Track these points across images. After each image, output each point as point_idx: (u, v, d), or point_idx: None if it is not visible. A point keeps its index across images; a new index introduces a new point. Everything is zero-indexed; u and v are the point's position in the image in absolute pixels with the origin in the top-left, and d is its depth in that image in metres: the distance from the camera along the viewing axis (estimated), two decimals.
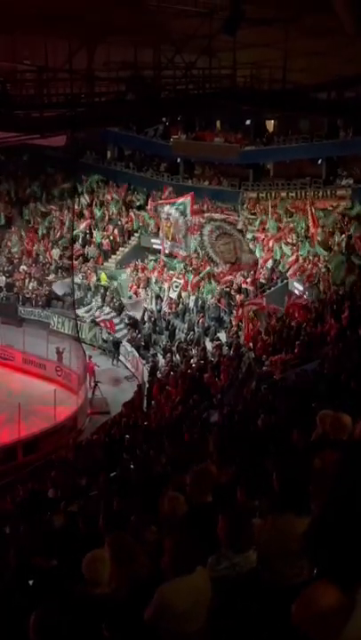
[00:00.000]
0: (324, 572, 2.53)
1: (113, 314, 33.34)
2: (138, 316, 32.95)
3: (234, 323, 28.80)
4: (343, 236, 30.65)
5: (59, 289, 35.79)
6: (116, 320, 32.80)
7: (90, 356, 30.44)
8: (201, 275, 32.84)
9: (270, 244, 32.68)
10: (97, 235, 39.31)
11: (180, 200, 34.40)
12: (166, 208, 34.61)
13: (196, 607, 4.35)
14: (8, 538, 11.98)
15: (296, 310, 25.88)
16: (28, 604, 5.51)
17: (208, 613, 4.35)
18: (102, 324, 33.11)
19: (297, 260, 30.52)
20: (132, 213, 39.47)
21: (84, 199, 41.29)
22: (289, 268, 30.59)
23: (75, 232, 37.71)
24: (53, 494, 15.47)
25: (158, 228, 36.03)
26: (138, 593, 4.69)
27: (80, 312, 33.86)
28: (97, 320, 33.44)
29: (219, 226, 31.30)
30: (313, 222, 31.05)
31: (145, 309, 33.23)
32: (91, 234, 39.61)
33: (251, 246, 31.86)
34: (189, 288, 32.82)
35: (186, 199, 34.18)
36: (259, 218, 35.29)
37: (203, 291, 32.39)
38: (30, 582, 6.72)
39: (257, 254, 32.18)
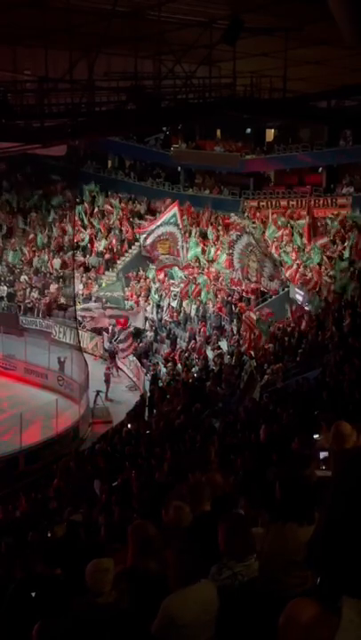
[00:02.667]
0: (327, 582, 2.51)
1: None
2: (140, 324, 32.90)
3: (242, 330, 28.75)
4: (346, 243, 30.71)
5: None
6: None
7: (108, 367, 30.53)
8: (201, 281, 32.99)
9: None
10: (97, 244, 39.35)
11: (168, 214, 34.44)
12: (160, 230, 34.40)
13: (203, 618, 4.32)
14: (13, 547, 11.99)
15: (301, 320, 25.86)
16: (31, 614, 5.50)
17: (216, 625, 4.31)
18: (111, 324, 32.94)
19: (298, 268, 30.51)
20: (128, 224, 39.51)
21: (84, 208, 41.37)
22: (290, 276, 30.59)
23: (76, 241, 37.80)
24: (100, 487, 15.08)
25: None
26: (142, 602, 4.67)
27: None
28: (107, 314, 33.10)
29: (255, 244, 31.05)
30: (307, 234, 31.04)
31: (146, 318, 33.24)
32: (92, 243, 39.66)
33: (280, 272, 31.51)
34: (190, 296, 32.85)
35: (172, 210, 34.30)
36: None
37: (202, 298, 32.45)
38: (34, 591, 6.71)
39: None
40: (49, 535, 11.89)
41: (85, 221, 40.78)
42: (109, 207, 41.11)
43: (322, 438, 6.95)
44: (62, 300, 36.39)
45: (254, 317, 27.54)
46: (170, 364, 28.49)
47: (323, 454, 6.23)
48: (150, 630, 4.30)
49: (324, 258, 30.11)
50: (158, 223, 34.70)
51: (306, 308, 27.21)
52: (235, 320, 29.90)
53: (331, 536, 2.46)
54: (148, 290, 35.39)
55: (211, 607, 4.34)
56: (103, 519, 11.36)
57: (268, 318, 27.93)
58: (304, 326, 24.85)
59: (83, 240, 39.62)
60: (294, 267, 30.97)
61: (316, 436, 7.80)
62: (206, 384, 23.91)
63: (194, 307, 32.51)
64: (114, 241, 39.02)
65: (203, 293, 32.61)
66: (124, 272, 37.59)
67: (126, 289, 35.32)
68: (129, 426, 22.73)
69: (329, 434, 6.57)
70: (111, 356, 31.70)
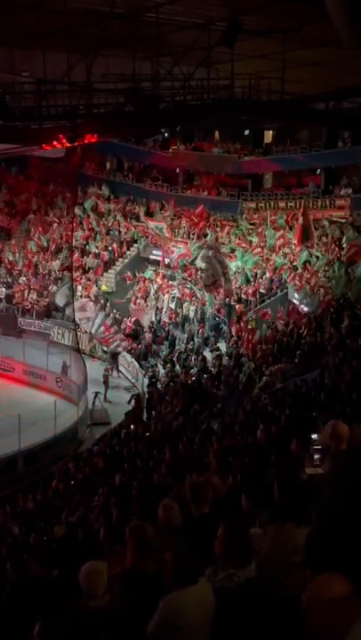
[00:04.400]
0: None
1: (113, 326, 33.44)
2: (145, 322, 33.05)
3: (233, 333, 28.81)
4: (344, 245, 30.75)
5: (59, 299, 35.82)
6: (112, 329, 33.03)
7: (106, 368, 30.61)
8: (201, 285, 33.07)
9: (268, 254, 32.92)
10: (94, 245, 39.34)
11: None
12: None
13: (200, 619, 4.32)
14: (12, 547, 11.99)
15: (297, 320, 25.88)
16: (27, 615, 5.51)
17: (212, 626, 4.30)
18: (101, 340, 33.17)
19: (295, 270, 30.59)
20: (128, 223, 39.53)
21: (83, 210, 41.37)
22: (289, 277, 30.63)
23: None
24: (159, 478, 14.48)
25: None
26: (140, 604, 4.66)
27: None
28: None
29: (205, 255, 31.95)
30: (299, 236, 31.05)
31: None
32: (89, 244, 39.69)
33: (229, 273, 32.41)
34: (187, 298, 32.96)
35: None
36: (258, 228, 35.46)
37: (203, 300, 32.54)
38: (31, 592, 6.71)
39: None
40: (45, 538, 11.90)
41: (84, 223, 40.75)
42: (107, 208, 41.09)
43: (319, 438, 6.94)
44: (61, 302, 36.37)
45: (250, 321, 27.68)
46: (169, 365, 28.51)
47: (317, 455, 6.24)
48: (147, 631, 4.29)
49: (313, 259, 30.30)
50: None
51: (305, 310, 27.23)
52: (233, 321, 29.92)
53: (329, 534, 2.47)
54: (147, 291, 35.39)
55: (208, 608, 4.33)
56: (102, 521, 11.36)
57: (265, 317, 27.99)
58: (302, 327, 24.86)
59: (80, 242, 39.61)
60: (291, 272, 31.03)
61: (314, 436, 7.81)
62: (205, 385, 23.91)
63: (192, 308, 32.52)
64: (115, 245, 38.97)
65: (207, 297, 32.71)
66: (122, 273, 37.62)
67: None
68: (131, 427, 22.74)
69: (326, 434, 6.58)
70: (113, 356, 31.75)
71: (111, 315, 34.47)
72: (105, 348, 32.85)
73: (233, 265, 33.33)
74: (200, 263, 32.73)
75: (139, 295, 35.20)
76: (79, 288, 36.45)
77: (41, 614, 5.24)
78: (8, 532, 15.20)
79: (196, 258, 34.01)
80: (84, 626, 4.84)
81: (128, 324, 33.92)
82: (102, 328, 33.18)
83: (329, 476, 3.46)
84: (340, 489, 2.52)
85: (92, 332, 33.76)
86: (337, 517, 2.44)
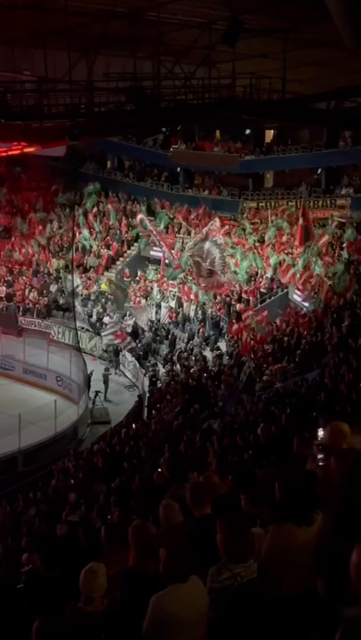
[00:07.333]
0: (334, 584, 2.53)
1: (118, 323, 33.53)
2: (143, 322, 33.00)
3: (231, 334, 28.81)
4: (344, 245, 30.75)
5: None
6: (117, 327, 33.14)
7: (106, 368, 30.63)
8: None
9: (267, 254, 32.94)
10: (96, 244, 39.34)
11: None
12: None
13: (191, 617, 4.32)
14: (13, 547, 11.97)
15: (298, 321, 25.86)
16: (27, 613, 5.50)
17: (207, 623, 4.30)
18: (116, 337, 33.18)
19: (288, 269, 30.63)
20: (129, 221, 39.57)
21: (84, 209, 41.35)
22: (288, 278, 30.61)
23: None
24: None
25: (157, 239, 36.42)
26: (141, 603, 4.66)
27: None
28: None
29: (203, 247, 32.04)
30: (299, 237, 31.04)
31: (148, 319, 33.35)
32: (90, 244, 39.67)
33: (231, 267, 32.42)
34: (192, 297, 32.93)
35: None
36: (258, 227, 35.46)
37: (200, 299, 32.57)
38: (32, 591, 6.70)
39: (257, 264, 32.64)
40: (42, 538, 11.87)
41: (83, 222, 40.72)
42: (109, 207, 41.05)
43: (320, 439, 6.95)
44: (61, 301, 36.45)
45: (250, 321, 27.64)
46: (169, 364, 28.50)
47: (320, 455, 6.24)
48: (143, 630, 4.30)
49: (314, 259, 30.30)
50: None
51: (303, 310, 27.22)
52: (233, 321, 29.90)
53: (338, 540, 2.48)
54: (147, 290, 35.39)
55: (201, 605, 4.34)
56: (102, 520, 11.34)
57: (263, 322, 27.89)
58: (304, 326, 24.86)
59: (84, 240, 39.62)
60: (293, 268, 31.00)
61: (320, 432, 7.82)
62: (205, 385, 23.90)
63: (193, 307, 32.53)
64: (115, 244, 38.95)
65: (200, 294, 32.69)
66: (122, 273, 37.63)
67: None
68: (133, 426, 22.75)
69: (326, 435, 6.58)
70: (115, 353, 31.78)
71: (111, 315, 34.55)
72: (104, 347, 32.86)
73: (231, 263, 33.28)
74: (194, 256, 32.63)
75: (139, 294, 35.21)
76: (79, 287, 36.49)
77: (38, 614, 5.23)
78: (7, 531, 15.19)
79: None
80: (83, 628, 4.83)
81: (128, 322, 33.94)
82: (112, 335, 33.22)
83: (340, 479, 3.47)
84: (353, 490, 2.52)
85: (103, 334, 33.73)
86: (351, 518, 2.45)
